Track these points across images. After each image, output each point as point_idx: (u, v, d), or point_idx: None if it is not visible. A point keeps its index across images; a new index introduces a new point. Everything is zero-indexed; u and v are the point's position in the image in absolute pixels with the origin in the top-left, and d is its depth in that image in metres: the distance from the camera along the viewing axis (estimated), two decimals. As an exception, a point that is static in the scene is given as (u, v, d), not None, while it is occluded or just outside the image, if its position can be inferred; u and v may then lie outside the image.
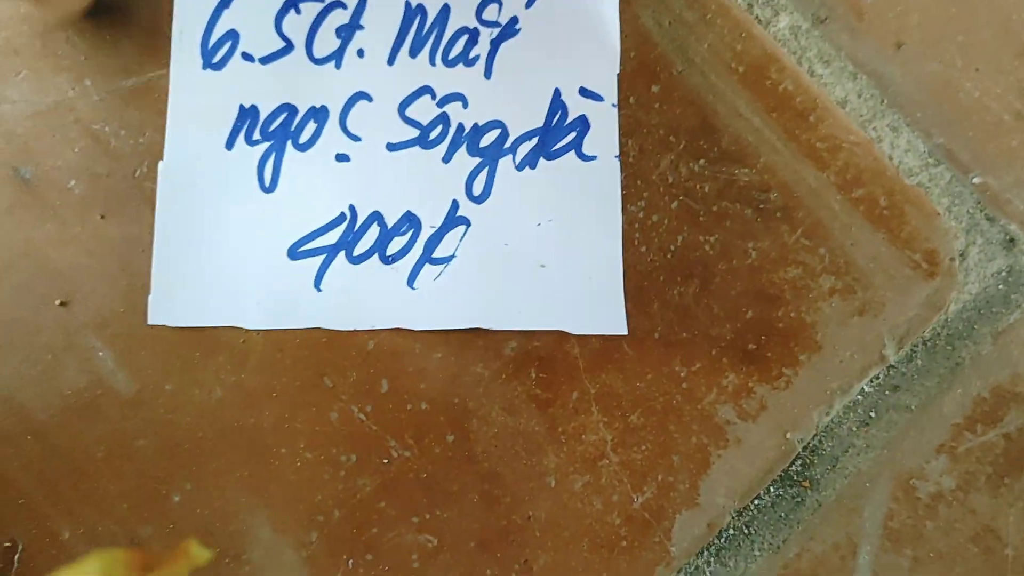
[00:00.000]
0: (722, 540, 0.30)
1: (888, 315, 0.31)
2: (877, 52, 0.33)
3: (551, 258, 0.30)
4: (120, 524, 0.29)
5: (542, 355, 0.30)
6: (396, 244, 0.30)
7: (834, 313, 0.31)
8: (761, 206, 0.31)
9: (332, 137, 0.30)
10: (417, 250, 0.30)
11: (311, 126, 0.30)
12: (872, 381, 0.31)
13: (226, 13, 0.30)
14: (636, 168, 0.31)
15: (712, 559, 0.30)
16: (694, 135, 0.32)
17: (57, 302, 0.29)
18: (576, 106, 0.31)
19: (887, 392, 0.31)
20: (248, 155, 0.30)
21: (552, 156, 0.30)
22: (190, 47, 0.30)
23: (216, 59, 0.30)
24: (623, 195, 0.31)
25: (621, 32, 0.31)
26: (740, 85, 0.32)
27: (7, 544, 0.29)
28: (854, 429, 0.31)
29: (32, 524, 0.29)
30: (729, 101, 0.32)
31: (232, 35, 0.30)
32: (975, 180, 0.32)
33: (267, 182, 0.30)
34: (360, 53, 0.31)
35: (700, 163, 0.31)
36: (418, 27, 0.31)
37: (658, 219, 0.31)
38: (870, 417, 0.31)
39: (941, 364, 0.31)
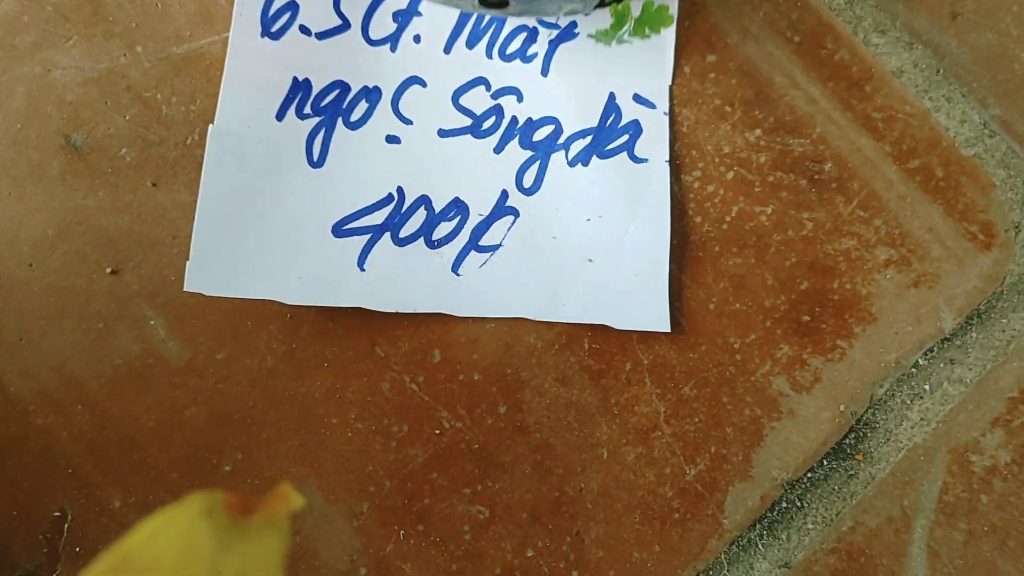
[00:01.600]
0: (775, 513, 0.30)
1: (944, 287, 0.31)
2: (932, 22, 0.32)
3: (599, 254, 0.30)
4: (171, 493, 0.29)
5: (595, 326, 0.30)
6: (443, 229, 0.30)
7: (890, 285, 0.31)
8: (816, 177, 0.31)
9: (383, 118, 0.30)
10: (464, 236, 0.30)
11: (363, 105, 0.30)
12: (927, 354, 0.31)
13: None
14: (691, 138, 0.31)
15: (765, 532, 0.30)
16: (749, 105, 0.31)
17: (108, 270, 0.29)
18: (630, 110, 0.30)
19: (942, 365, 0.31)
20: (298, 128, 0.29)
21: (605, 155, 0.30)
22: (251, 12, 0.29)
23: (275, 28, 0.30)
24: (677, 164, 0.31)
25: (679, 8, 0.31)
26: (795, 55, 0.31)
27: (56, 514, 0.29)
28: (909, 402, 0.30)
29: (81, 494, 0.29)
30: (785, 71, 0.31)
31: (292, 6, 0.30)
32: (1032, 152, 0.31)
33: (315, 157, 0.29)
34: (416, 39, 0.30)
35: (755, 133, 0.31)
36: (476, 20, 0.30)
37: (713, 190, 0.31)
38: (925, 390, 0.31)
39: (997, 337, 0.31)
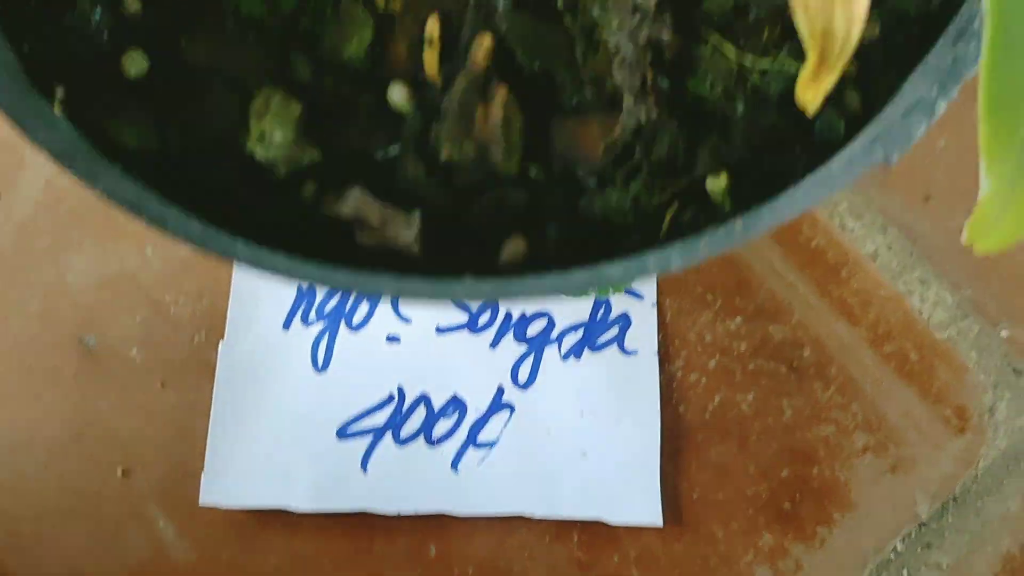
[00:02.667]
0: None
1: (920, 472, 0.32)
2: (906, 205, 0.33)
3: (592, 448, 0.31)
4: None
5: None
6: (442, 427, 0.31)
7: (867, 471, 0.32)
8: (795, 363, 0.32)
9: (384, 318, 0.31)
10: (462, 434, 0.31)
11: (364, 307, 0.31)
12: (905, 539, 0.32)
13: None
14: (674, 327, 0.32)
15: None
16: (730, 293, 0.33)
17: (119, 471, 0.31)
18: (619, 303, 0.32)
19: (920, 550, 0.32)
20: (303, 335, 0.31)
21: (596, 348, 0.32)
22: None
23: None
24: (661, 354, 0.32)
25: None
26: (774, 241, 0.33)
27: None
28: (888, 585, 0.32)
29: None
30: (763, 258, 0.33)
31: None
32: (1003, 333, 0.33)
33: (320, 362, 0.31)
34: None
35: (736, 321, 0.32)
36: None
37: (696, 378, 0.32)
38: None
39: (972, 521, 0.32)
